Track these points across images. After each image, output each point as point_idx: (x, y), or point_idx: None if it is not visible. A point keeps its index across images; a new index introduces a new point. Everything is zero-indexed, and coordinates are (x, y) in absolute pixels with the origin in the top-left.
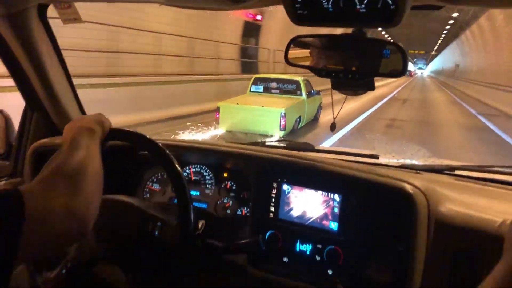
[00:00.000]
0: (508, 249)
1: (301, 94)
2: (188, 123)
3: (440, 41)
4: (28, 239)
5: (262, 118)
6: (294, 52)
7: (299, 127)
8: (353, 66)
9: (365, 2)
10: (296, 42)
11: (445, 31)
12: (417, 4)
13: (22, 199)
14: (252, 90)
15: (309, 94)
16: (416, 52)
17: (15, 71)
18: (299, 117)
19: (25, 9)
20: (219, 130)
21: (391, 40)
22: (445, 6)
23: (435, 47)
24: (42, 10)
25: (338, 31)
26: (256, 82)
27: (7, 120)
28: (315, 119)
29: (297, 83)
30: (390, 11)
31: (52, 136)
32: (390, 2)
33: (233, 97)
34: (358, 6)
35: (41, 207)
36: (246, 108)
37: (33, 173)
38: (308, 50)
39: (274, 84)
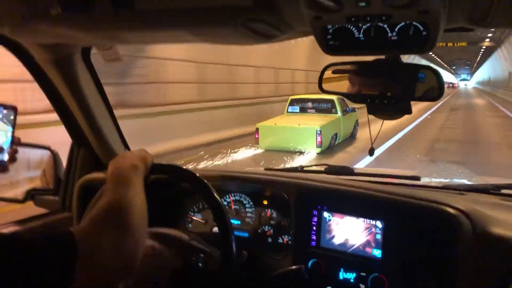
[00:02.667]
0: None
1: (336, 112)
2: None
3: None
4: (80, 278)
5: (299, 137)
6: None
7: (336, 143)
8: (388, 91)
9: (396, 29)
10: (330, 69)
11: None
12: (448, 28)
13: (73, 240)
14: (289, 110)
15: (345, 112)
16: (457, 45)
17: (62, 110)
18: (336, 134)
19: (71, 53)
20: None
21: (426, 64)
22: (476, 29)
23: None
24: (85, 53)
25: (371, 56)
26: (292, 103)
27: (55, 156)
28: (352, 136)
29: (331, 101)
30: (422, 36)
31: (98, 170)
32: (422, 28)
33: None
34: (389, 34)
35: (92, 247)
36: (284, 128)
37: (80, 207)
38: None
39: (309, 104)
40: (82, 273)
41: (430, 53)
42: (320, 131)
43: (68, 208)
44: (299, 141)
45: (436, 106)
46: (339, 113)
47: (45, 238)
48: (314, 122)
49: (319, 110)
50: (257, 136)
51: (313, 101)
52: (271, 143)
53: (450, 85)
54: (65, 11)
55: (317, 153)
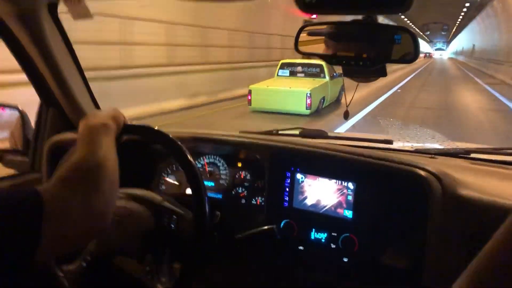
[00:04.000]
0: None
1: (324, 77)
2: None
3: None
4: (48, 238)
5: (290, 99)
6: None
7: (323, 106)
8: (364, 53)
9: None
10: (306, 30)
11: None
12: None
13: (40, 200)
14: (279, 74)
15: (332, 77)
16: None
17: (29, 68)
18: (323, 98)
19: (36, 7)
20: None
21: (402, 26)
22: None
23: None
24: (52, 8)
25: (348, 18)
26: (283, 66)
27: (24, 116)
28: (337, 101)
29: (320, 66)
30: None
31: (68, 131)
32: None
33: None
34: None
35: (60, 207)
36: (275, 90)
37: (50, 168)
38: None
39: (299, 68)
40: (50, 233)
41: (402, 16)
42: (310, 94)
43: (37, 169)
44: (289, 103)
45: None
46: (327, 78)
47: (10, 198)
48: (304, 85)
49: (308, 75)
50: (249, 98)
51: (303, 65)
52: (262, 104)
53: (427, 54)
54: None
55: (306, 115)
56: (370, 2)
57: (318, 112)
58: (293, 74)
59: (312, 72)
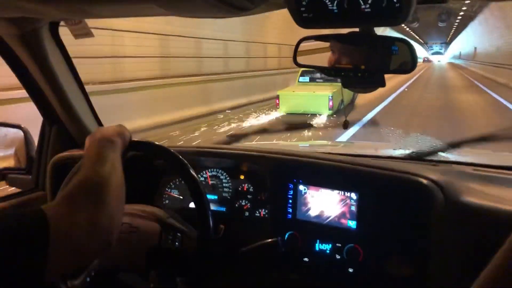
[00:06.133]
0: None
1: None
2: None
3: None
4: (55, 257)
5: (314, 101)
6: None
7: (341, 107)
8: (361, 64)
9: (369, 1)
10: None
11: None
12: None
13: (46, 219)
14: (300, 80)
15: None
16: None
17: (31, 87)
18: (342, 100)
19: (38, 28)
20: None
21: (399, 36)
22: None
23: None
24: (53, 28)
25: (346, 29)
26: (303, 74)
27: (27, 135)
28: (351, 103)
29: None
30: (395, 8)
31: (71, 148)
32: (395, 0)
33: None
34: (363, 6)
35: (66, 225)
36: (301, 94)
37: (54, 186)
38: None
39: (318, 75)
40: (57, 251)
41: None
42: (331, 96)
43: (41, 187)
44: (314, 105)
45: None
46: None
47: (16, 218)
48: (325, 89)
49: (326, 80)
50: (277, 102)
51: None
52: (290, 107)
53: (426, 59)
54: None
55: (328, 115)
56: (366, 15)
57: (338, 112)
58: (312, 80)
59: (329, 78)
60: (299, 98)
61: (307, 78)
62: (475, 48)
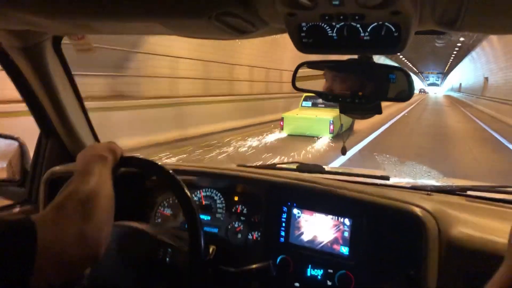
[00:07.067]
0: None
1: None
2: None
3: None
4: (42, 267)
5: (316, 125)
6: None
7: (341, 131)
8: (359, 91)
9: (368, 29)
10: (304, 67)
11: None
12: (420, 30)
13: (34, 228)
14: (303, 105)
15: None
16: (429, 72)
17: (30, 100)
18: (342, 125)
19: (41, 41)
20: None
21: (397, 65)
22: (446, 32)
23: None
24: (56, 42)
25: (345, 56)
26: (306, 99)
27: (22, 147)
28: (350, 128)
29: None
30: (394, 37)
31: (66, 162)
32: (394, 29)
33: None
34: (362, 34)
35: (53, 235)
36: (304, 118)
37: (47, 199)
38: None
39: (320, 100)
40: (43, 262)
41: None
42: (332, 121)
43: (34, 200)
44: (316, 128)
45: None
46: None
47: (3, 225)
48: (326, 114)
49: (327, 105)
50: (282, 124)
51: None
52: (293, 129)
53: (421, 90)
54: None
55: (329, 138)
56: (365, 43)
57: (338, 135)
58: (315, 105)
59: (330, 104)
60: (302, 121)
61: (309, 103)
62: (486, 78)
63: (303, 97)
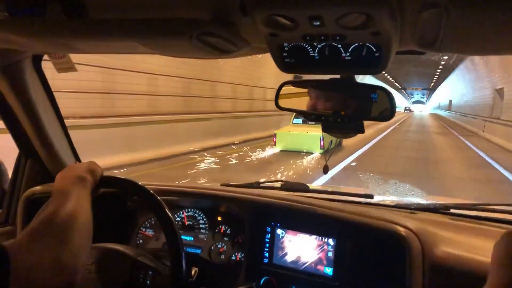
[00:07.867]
0: (493, 270)
1: None
2: None
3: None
4: None
5: (307, 140)
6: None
7: (331, 147)
8: (342, 110)
9: (350, 50)
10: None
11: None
12: (400, 50)
13: (6, 255)
14: (294, 122)
15: None
16: (414, 89)
17: (9, 119)
18: (331, 141)
19: (20, 60)
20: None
21: (380, 85)
22: (427, 52)
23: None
24: (36, 60)
25: (327, 75)
26: (296, 116)
27: (0, 166)
28: (339, 144)
29: None
30: (375, 57)
31: (46, 182)
32: (375, 50)
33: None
34: (343, 54)
35: (27, 262)
36: (296, 134)
37: (25, 221)
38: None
39: None
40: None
41: None
42: (322, 137)
43: (12, 221)
44: (307, 144)
45: None
46: None
47: None
48: (317, 130)
49: (317, 122)
50: (274, 140)
51: None
52: (285, 145)
53: (407, 108)
54: (12, 15)
55: (320, 153)
56: (346, 63)
57: (327, 151)
58: (305, 122)
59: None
60: (294, 137)
61: (300, 120)
62: (499, 90)
63: (294, 114)
